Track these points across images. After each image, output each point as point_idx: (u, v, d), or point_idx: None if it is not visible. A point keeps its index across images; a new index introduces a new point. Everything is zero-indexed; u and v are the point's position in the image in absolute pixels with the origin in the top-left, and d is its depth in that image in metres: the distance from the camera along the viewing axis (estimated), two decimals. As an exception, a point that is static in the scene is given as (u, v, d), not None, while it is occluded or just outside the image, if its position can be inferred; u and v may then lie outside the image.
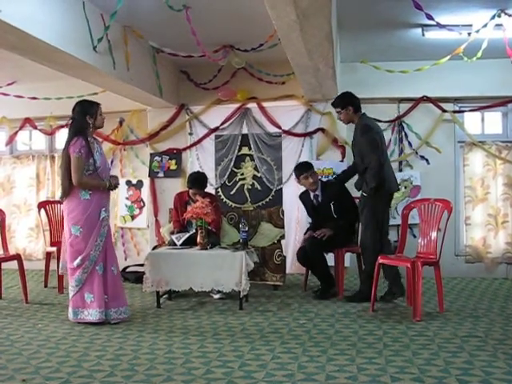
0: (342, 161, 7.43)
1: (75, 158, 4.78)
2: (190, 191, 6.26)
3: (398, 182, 6.11)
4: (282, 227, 6.65)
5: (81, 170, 4.79)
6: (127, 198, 8.16)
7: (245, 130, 7.78)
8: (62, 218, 5.26)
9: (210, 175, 7.64)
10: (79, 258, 4.83)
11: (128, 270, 7.46)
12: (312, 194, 6.21)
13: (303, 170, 6.16)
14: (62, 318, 5.15)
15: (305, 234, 6.38)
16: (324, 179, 6.55)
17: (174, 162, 7.94)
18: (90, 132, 4.95)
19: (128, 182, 8.17)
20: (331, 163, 7.37)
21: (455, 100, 7.43)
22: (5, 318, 5.27)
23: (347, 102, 5.72)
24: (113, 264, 4.98)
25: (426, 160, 7.37)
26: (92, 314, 4.84)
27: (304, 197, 6.39)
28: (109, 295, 4.90)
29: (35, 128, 8.41)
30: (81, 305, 4.88)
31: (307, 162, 6.37)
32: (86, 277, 4.85)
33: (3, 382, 3.45)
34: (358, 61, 6.91)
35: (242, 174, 7.85)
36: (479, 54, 5.65)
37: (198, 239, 5.64)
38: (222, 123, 7.79)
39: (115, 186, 5.07)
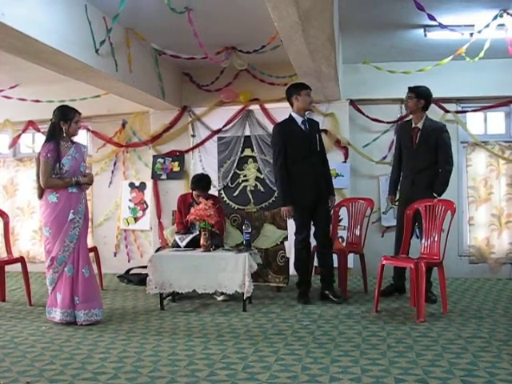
0: (344, 161, 7.42)
1: (42, 161, 5.00)
2: (194, 193, 6.27)
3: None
4: (285, 229, 6.65)
5: (47, 173, 4.97)
6: (130, 200, 8.17)
7: (247, 132, 7.78)
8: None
9: (213, 177, 7.64)
10: (49, 258, 5.02)
11: (131, 272, 7.47)
12: (301, 120, 5.77)
13: (308, 86, 5.79)
14: (65, 321, 5.16)
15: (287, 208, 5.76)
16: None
17: (176, 163, 7.94)
18: (64, 137, 5.08)
19: (131, 184, 8.18)
20: (334, 164, 7.32)
21: (458, 100, 7.41)
22: (9, 320, 5.29)
23: (425, 95, 5.74)
24: (84, 266, 5.06)
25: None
26: (57, 313, 5.01)
27: (287, 125, 5.79)
28: (79, 297, 4.98)
29: (38, 131, 8.42)
30: (54, 304, 5.06)
31: None
32: (57, 277, 5.02)
33: (7, 384, 3.46)
34: (360, 62, 6.91)
35: (245, 176, 7.85)
36: (481, 55, 5.64)
37: (202, 241, 5.64)
38: (225, 125, 7.80)
39: (87, 183, 5.15)
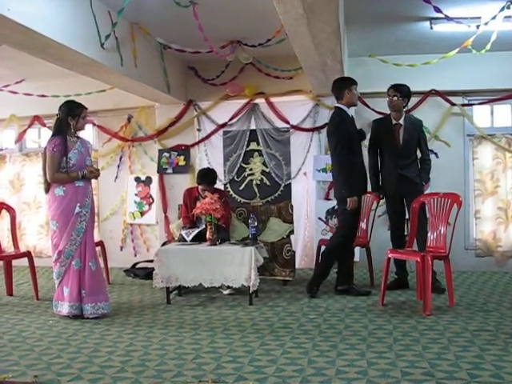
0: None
1: (49, 156, 5.03)
2: (200, 187, 6.27)
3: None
4: (291, 222, 6.64)
5: (54, 167, 5.00)
6: (136, 195, 8.18)
7: (253, 126, 7.77)
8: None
9: (219, 171, 7.65)
10: (56, 252, 5.03)
11: (138, 266, 7.49)
12: (350, 113, 5.74)
13: (356, 82, 5.74)
14: (72, 315, 5.19)
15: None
16: None
17: (182, 158, 7.95)
18: (71, 132, 5.10)
19: (137, 179, 8.19)
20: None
21: (464, 93, 7.38)
22: (16, 314, 5.31)
23: (407, 94, 5.87)
24: (91, 259, 5.08)
25: (435, 154, 7.30)
26: (64, 306, 5.03)
27: (344, 117, 5.65)
28: (86, 290, 5.02)
29: (44, 126, 8.44)
30: (61, 298, 5.08)
31: None
32: (65, 271, 5.04)
33: (16, 377, 3.48)
34: (365, 55, 6.88)
35: (251, 170, 7.85)
36: (488, 47, 5.61)
37: (208, 235, 5.65)
38: (230, 119, 7.79)
39: (94, 176, 5.21)
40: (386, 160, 5.99)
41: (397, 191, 5.85)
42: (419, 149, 5.93)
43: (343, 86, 5.68)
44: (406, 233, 6.04)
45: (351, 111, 5.79)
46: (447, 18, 5.14)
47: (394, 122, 5.90)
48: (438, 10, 4.87)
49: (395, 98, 5.81)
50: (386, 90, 5.93)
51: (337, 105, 5.75)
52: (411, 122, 5.92)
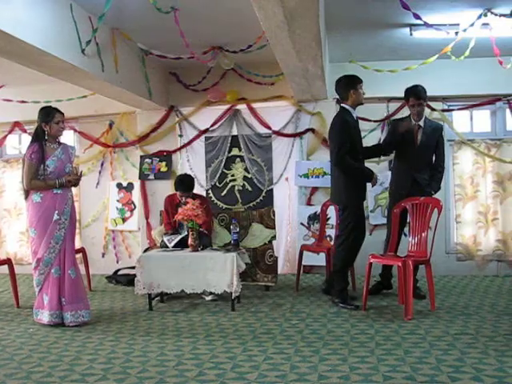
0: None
1: (26, 162, 5.01)
2: (178, 194, 6.26)
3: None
4: (273, 228, 6.64)
5: (30, 174, 4.98)
6: (118, 201, 8.14)
7: (235, 132, 7.79)
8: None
9: (201, 177, 7.67)
10: (35, 259, 5.00)
11: (120, 272, 7.45)
12: (355, 115, 5.54)
13: (361, 79, 5.57)
14: (53, 322, 5.14)
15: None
16: None
17: (164, 164, 7.93)
18: (49, 138, 5.08)
19: (119, 185, 8.15)
20: (321, 163, 7.38)
21: (444, 99, 7.45)
22: (-4, 322, 5.26)
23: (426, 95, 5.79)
24: (70, 267, 5.05)
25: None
26: (44, 315, 4.99)
27: (349, 119, 5.45)
28: (66, 298, 4.98)
29: (24, 132, 8.37)
30: (41, 306, 5.05)
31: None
32: (44, 278, 5.01)
33: (-5, 387, 3.45)
34: (346, 61, 6.92)
35: (233, 175, 7.86)
36: (467, 53, 5.68)
37: (189, 241, 5.64)
38: (212, 125, 7.80)
39: (72, 185, 5.14)
40: (400, 161, 5.87)
41: (408, 195, 5.61)
42: (435, 154, 5.81)
43: (349, 85, 5.48)
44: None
45: (356, 112, 5.60)
46: (426, 25, 5.19)
47: (413, 122, 5.77)
48: (417, 17, 4.91)
49: (420, 107, 5.70)
50: (405, 98, 5.81)
51: (342, 105, 5.57)
52: (430, 125, 5.84)
